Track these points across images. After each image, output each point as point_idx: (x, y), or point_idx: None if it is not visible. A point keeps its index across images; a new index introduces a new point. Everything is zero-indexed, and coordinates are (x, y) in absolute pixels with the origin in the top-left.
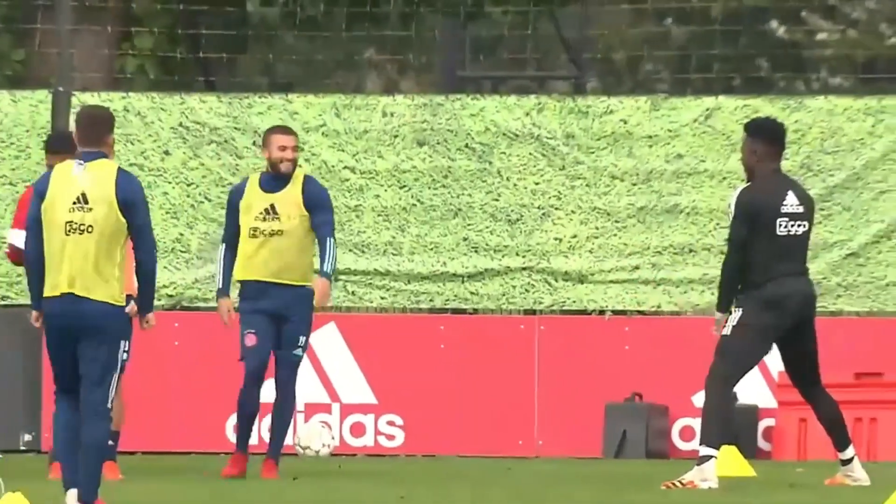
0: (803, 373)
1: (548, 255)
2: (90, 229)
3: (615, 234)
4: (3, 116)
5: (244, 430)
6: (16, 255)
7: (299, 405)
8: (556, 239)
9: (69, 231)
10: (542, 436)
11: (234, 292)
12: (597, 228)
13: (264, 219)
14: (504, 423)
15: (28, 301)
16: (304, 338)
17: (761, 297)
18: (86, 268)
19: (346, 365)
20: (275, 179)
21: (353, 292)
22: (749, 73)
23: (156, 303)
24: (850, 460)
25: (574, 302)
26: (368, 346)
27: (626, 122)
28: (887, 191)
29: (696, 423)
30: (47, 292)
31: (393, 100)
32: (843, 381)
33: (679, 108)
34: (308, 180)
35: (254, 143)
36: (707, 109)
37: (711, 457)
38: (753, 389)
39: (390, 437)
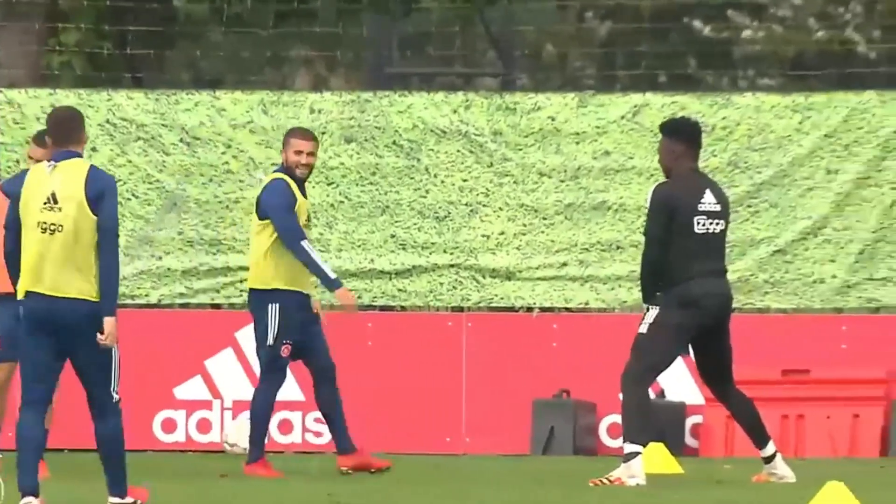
0: (717, 372)
1: (475, 252)
2: (60, 228)
3: (543, 231)
4: None
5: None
6: None
7: (226, 402)
8: (483, 236)
9: (43, 230)
10: (469, 433)
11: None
12: (524, 225)
13: (305, 225)
14: (432, 421)
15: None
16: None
17: (678, 295)
18: (60, 266)
19: None
20: (298, 183)
21: None
22: (676, 71)
23: None
24: (772, 457)
25: (502, 299)
26: None
27: (553, 119)
28: (814, 188)
29: None
30: (23, 291)
31: (321, 97)
32: (770, 378)
33: (606, 104)
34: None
35: (181, 140)
36: (635, 106)
37: (637, 453)
38: (681, 386)
39: (318, 435)
